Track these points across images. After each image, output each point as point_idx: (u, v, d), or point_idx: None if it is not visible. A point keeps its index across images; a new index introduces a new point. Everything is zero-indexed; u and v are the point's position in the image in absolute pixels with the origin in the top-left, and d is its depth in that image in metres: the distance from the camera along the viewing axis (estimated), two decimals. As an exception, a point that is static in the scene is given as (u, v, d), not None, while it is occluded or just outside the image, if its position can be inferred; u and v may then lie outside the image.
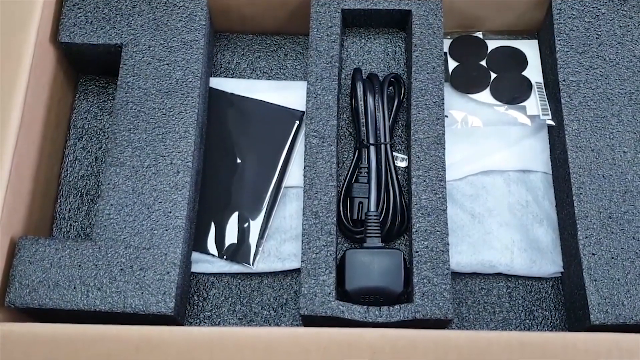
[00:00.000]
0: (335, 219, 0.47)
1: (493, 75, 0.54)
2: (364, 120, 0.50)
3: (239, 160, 0.52)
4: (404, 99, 0.52)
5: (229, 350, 0.41)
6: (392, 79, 0.51)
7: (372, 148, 0.50)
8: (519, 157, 0.52)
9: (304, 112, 0.53)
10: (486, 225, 0.50)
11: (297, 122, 0.53)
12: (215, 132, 0.53)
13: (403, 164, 0.51)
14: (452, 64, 0.54)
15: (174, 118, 0.49)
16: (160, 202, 0.46)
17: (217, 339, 0.41)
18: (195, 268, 0.50)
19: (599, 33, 0.51)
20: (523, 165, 0.52)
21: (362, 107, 0.50)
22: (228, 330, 0.42)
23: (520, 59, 0.55)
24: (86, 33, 0.51)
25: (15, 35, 0.47)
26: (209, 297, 0.50)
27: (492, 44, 0.56)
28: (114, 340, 0.41)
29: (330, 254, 0.46)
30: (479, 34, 0.57)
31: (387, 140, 0.50)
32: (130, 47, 0.50)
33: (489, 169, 0.52)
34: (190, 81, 0.50)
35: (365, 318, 0.44)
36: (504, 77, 0.54)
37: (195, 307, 0.49)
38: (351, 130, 0.53)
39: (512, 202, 0.51)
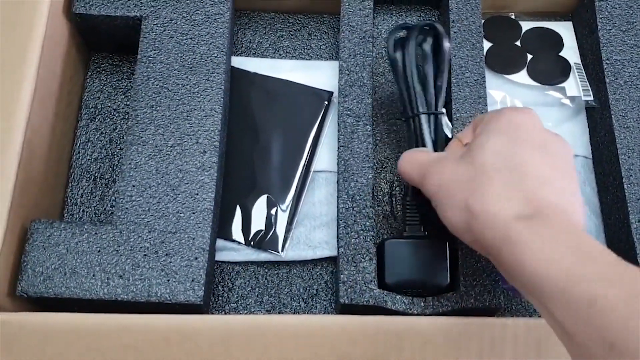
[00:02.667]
0: (372, 201, 0.44)
1: (529, 56, 0.52)
2: (402, 93, 0.45)
3: (264, 143, 0.49)
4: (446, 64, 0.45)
5: (268, 339, 0.37)
6: (426, 28, 0.44)
7: (411, 121, 0.45)
8: (559, 141, 0.50)
9: (332, 92, 0.50)
10: (527, 210, 0.48)
11: (326, 102, 0.50)
12: (238, 114, 0.50)
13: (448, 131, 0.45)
14: (485, 45, 0.52)
15: (199, 95, 0.45)
16: (187, 184, 0.43)
17: (254, 327, 0.38)
18: (219, 256, 0.46)
19: (643, 10, 0.49)
20: (563, 148, 0.50)
21: (402, 76, 0.44)
22: (265, 318, 0.38)
23: (556, 40, 0.53)
24: (103, 4, 0.47)
25: (28, 4, 0.44)
26: (235, 287, 0.46)
27: (525, 25, 0.53)
28: (141, 330, 0.37)
29: (370, 239, 0.43)
30: (512, 15, 0.54)
31: (424, 110, 0.43)
32: (151, 19, 0.47)
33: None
34: (216, 56, 0.46)
35: (410, 309, 0.41)
36: (540, 57, 0.52)
37: (220, 298, 0.46)
38: (384, 111, 0.50)
39: (553, 187, 0.49)
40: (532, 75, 0.51)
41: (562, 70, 0.51)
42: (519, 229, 0.29)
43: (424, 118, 0.43)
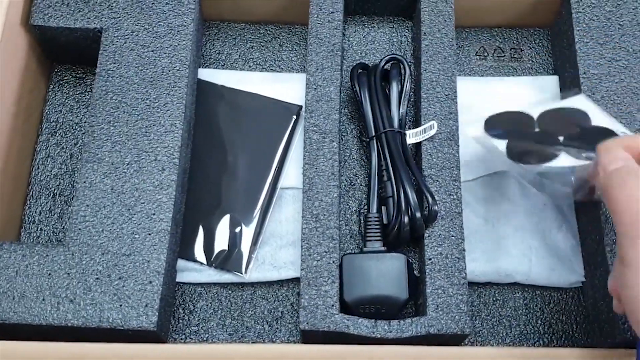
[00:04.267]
0: (337, 222, 0.42)
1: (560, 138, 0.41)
2: (364, 115, 0.46)
3: (230, 159, 0.47)
4: (407, 82, 0.46)
5: (221, 370, 0.36)
6: (390, 62, 0.47)
7: (372, 142, 0.45)
8: (535, 157, 0.48)
9: (301, 106, 0.49)
10: (501, 230, 0.46)
11: (294, 117, 0.49)
12: (203, 128, 0.48)
13: (432, 131, 0.44)
14: (501, 143, 0.43)
15: (159, 110, 0.44)
16: (143, 203, 0.41)
17: (208, 357, 0.36)
18: (180, 277, 0.45)
19: (621, 23, 0.47)
20: (539, 165, 0.48)
21: (360, 103, 0.46)
22: (220, 348, 0.37)
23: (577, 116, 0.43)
24: (62, 15, 0.46)
25: (-20, 16, 0.42)
26: (196, 309, 0.45)
27: (534, 112, 0.44)
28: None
29: (333, 262, 0.41)
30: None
31: (385, 128, 0.44)
32: (111, 31, 0.46)
33: (503, 169, 0.48)
34: (178, 70, 0.45)
35: (373, 333, 0.39)
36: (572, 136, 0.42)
37: (181, 321, 0.44)
38: (354, 126, 0.49)
39: (528, 205, 0.47)
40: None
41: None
42: None
43: (390, 136, 0.43)
